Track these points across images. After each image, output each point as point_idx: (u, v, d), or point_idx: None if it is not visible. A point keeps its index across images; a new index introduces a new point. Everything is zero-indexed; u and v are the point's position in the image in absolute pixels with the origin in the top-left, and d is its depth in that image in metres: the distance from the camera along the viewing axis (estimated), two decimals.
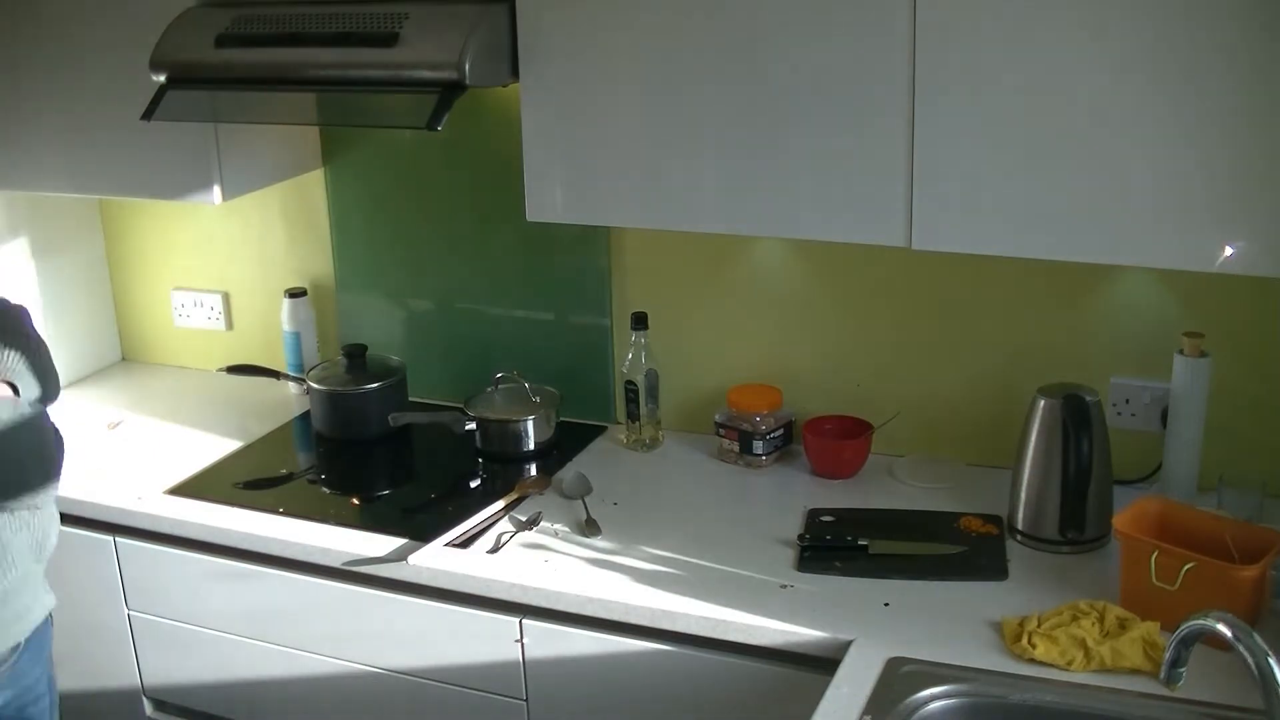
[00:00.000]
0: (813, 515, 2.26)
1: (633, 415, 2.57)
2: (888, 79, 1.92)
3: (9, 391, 1.95)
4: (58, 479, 2.00)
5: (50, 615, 2.10)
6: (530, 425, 2.58)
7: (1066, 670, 1.75)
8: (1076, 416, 2.07)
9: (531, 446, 2.59)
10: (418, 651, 2.22)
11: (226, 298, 3.05)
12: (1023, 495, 2.14)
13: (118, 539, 2.44)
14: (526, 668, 2.13)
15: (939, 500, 2.30)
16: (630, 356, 2.56)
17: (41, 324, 2.15)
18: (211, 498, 2.43)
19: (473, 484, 2.46)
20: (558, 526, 2.26)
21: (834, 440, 2.43)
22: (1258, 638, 1.47)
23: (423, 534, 2.23)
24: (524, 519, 2.28)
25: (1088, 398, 2.08)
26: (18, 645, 2.01)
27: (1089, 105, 1.82)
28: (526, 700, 2.15)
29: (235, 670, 2.40)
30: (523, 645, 2.11)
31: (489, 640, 2.14)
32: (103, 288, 3.14)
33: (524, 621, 2.10)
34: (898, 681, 1.74)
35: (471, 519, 2.27)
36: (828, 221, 2.05)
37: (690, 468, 2.50)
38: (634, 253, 2.61)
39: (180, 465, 2.56)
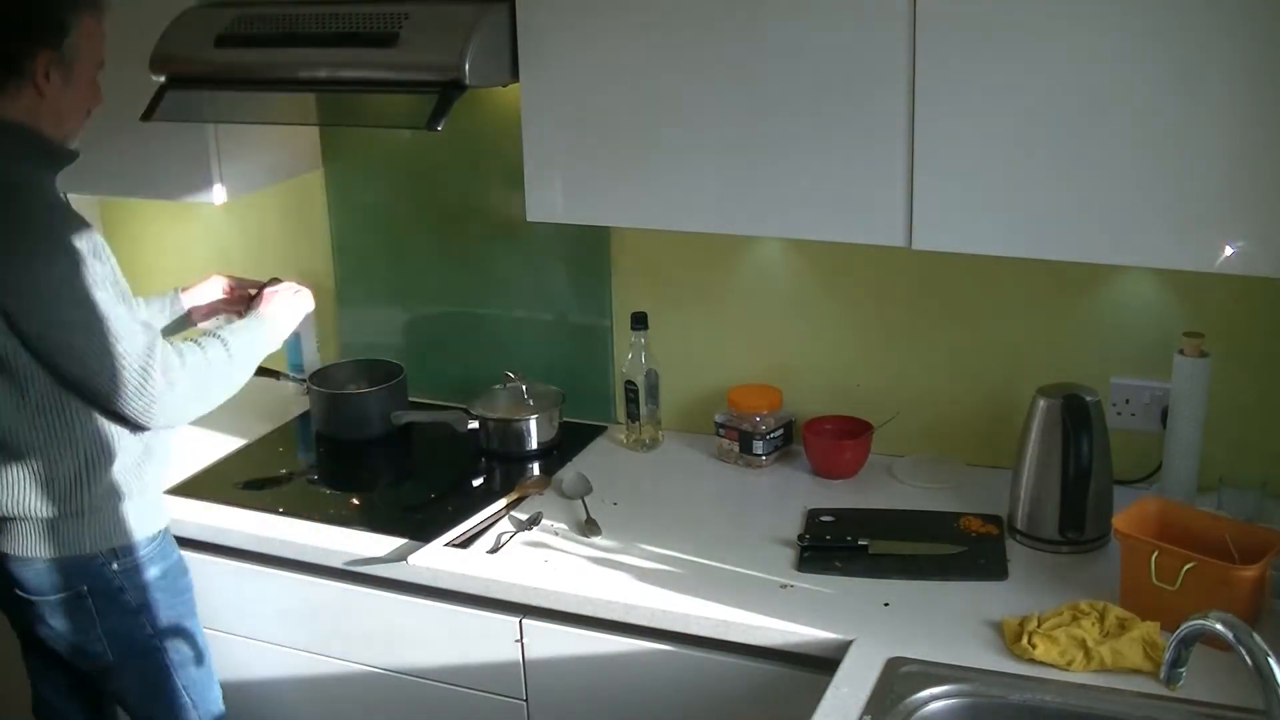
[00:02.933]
0: (813, 515, 2.26)
1: (633, 415, 2.57)
2: (888, 79, 1.92)
3: None
4: None
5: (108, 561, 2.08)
6: (533, 424, 2.58)
7: (1066, 670, 1.75)
8: (1076, 416, 2.07)
9: (534, 446, 2.59)
10: (418, 651, 2.22)
11: None
12: (1022, 495, 2.14)
13: None
14: (526, 668, 2.13)
15: (939, 500, 2.30)
16: (630, 356, 2.56)
17: None
18: (211, 498, 2.43)
19: (474, 483, 2.46)
20: (558, 526, 2.26)
21: (834, 440, 2.43)
22: (1258, 638, 1.47)
23: (423, 534, 2.23)
24: (524, 519, 2.28)
25: (1088, 398, 2.08)
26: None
27: (1089, 105, 1.82)
28: (526, 700, 2.15)
29: (235, 670, 2.39)
30: (523, 645, 2.11)
31: (489, 640, 2.14)
32: None
33: (524, 621, 2.10)
34: (898, 681, 1.74)
35: (471, 519, 2.27)
36: (828, 221, 2.05)
37: (690, 468, 2.50)
38: (634, 253, 2.61)
39: (180, 465, 2.56)
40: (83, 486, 2.03)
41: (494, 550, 2.19)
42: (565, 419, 2.65)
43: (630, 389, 2.56)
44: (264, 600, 2.33)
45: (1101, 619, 1.82)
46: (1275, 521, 1.99)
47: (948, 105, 1.90)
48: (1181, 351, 2.12)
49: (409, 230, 2.82)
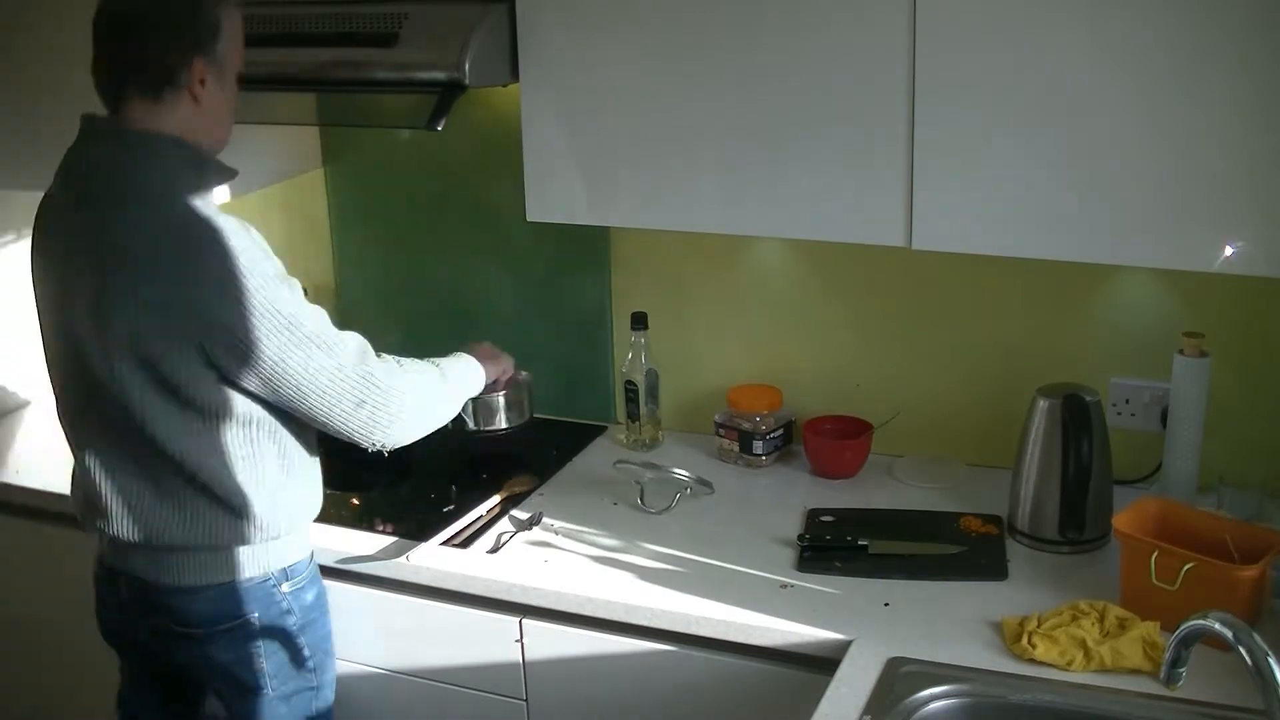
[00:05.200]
0: (813, 515, 2.26)
1: (633, 415, 2.57)
2: (888, 79, 1.92)
3: None
4: None
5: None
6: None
7: (1066, 670, 1.75)
8: (1076, 416, 2.07)
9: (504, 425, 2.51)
10: (418, 651, 2.22)
11: None
12: (1023, 495, 2.14)
13: None
14: (526, 668, 2.13)
15: (939, 500, 2.30)
16: (630, 356, 2.56)
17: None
18: None
19: (474, 483, 2.46)
20: (559, 525, 2.26)
21: (834, 440, 2.43)
22: (1258, 638, 1.47)
23: (422, 533, 2.24)
24: (524, 519, 2.28)
25: (1088, 398, 2.08)
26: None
27: (1088, 105, 1.82)
28: (526, 700, 2.15)
29: None
30: (523, 645, 2.11)
31: (489, 640, 2.14)
32: None
33: (524, 621, 2.11)
34: (898, 681, 1.74)
35: (465, 518, 2.28)
36: (828, 221, 2.05)
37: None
38: (634, 253, 2.61)
39: None
40: (274, 511, 1.96)
41: (494, 550, 2.19)
42: (565, 419, 2.65)
43: (630, 389, 2.56)
44: None
45: (1101, 619, 1.82)
46: (1275, 521, 2.00)
47: (948, 106, 1.90)
48: (1181, 351, 2.12)
49: (409, 230, 2.82)
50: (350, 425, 1.93)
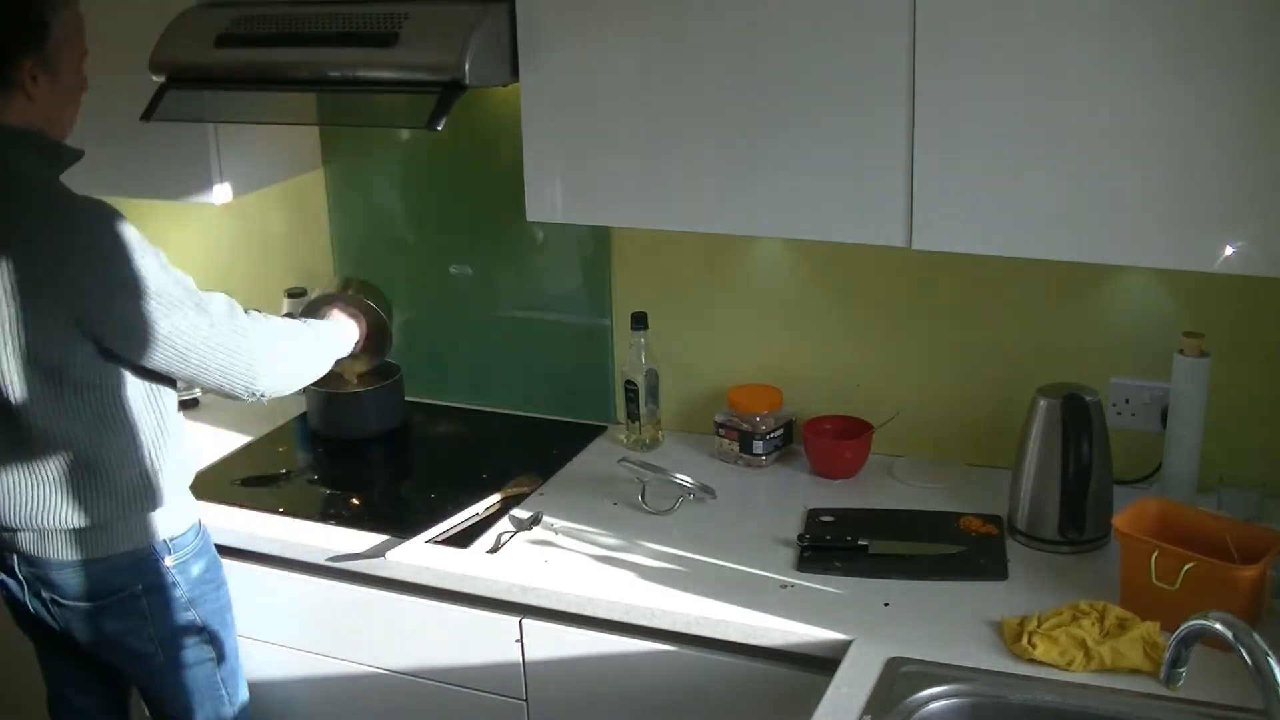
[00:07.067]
0: (813, 515, 2.26)
1: (633, 415, 2.57)
2: (888, 78, 1.92)
3: None
4: None
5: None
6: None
7: (1066, 670, 1.75)
8: (1076, 416, 2.07)
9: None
10: (418, 651, 2.22)
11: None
12: (1023, 495, 2.14)
13: None
14: (526, 668, 2.13)
15: (939, 500, 2.30)
16: (630, 356, 2.56)
17: None
18: (211, 497, 2.43)
19: (473, 481, 2.46)
20: (558, 525, 2.26)
21: (834, 440, 2.43)
22: (1258, 638, 1.47)
23: (421, 532, 2.23)
24: (524, 518, 2.28)
25: (1088, 398, 2.08)
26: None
27: (1089, 105, 1.82)
28: (526, 700, 2.15)
29: None
30: (523, 645, 2.11)
31: (489, 640, 2.14)
32: None
33: (524, 621, 2.11)
34: (898, 681, 1.74)
35: (464, 517, 2.28)
36: (828, 221, 2.05)
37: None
38: (634, 253, 2.61)
39: None
40: (147, 485, 2.04)
41: (494, 550, 2.19)
42: (565, 419, 2.65)
43: (630, 389, 2.56)
44: (264, 600, 2.32)
45: (1101, 619, 1.82)
46: (1275, 521, 2.00)
47: (948, 105, 1.90)
48: (1181, 351, 2.12)
49: (409, 230, 2.82)
50: (229, 378, 2.05)
